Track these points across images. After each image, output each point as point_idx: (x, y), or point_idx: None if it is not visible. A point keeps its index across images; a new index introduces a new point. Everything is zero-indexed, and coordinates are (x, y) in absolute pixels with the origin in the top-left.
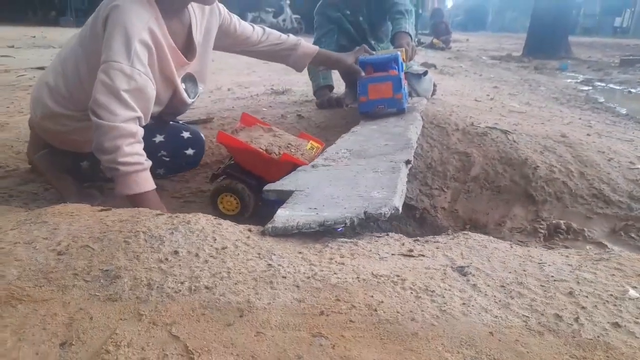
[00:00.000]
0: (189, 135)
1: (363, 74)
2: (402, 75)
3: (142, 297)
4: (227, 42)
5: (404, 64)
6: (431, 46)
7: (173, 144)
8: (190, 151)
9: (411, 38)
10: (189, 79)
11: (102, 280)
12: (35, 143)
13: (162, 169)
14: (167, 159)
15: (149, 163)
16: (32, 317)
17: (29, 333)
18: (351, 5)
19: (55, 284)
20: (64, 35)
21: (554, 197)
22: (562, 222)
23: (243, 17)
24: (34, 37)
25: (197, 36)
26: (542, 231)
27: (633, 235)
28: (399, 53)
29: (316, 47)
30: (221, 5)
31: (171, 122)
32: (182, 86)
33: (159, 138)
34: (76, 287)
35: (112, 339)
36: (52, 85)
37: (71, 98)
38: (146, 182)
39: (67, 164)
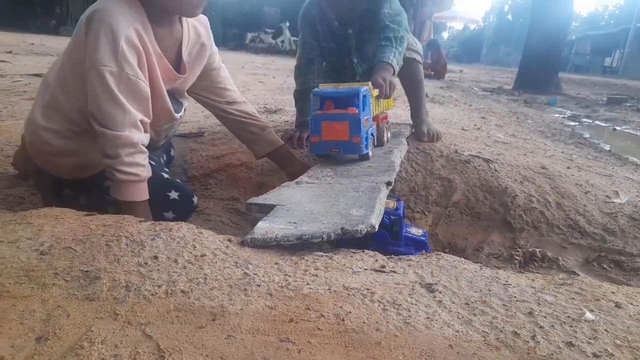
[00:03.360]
0: (176, 197)
1: None
2: (366, 116)
3: (119, 298)
4: (203, 84)
5: (371, 103)
6: (427, 76)
7: (152, 202)
8: (169, 215)
9: (394, 71)
10: (170, 95)
11: (81, 281)
12: (23, 152)
13: None
14: None
15: (147, 174)
16: (10, 312)
17: (5, 327)
18: (341, 16)
19: (36, 282)
20: (62, 44)
21: (531, 225)
22: (537, 250)
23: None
24: (33, 44)
25: (185, 54)
26: (518, 258)
27: (605, 266)
28: (367, 87)
29: (281, 142)
30: (214, 45)
31: (165, 175)
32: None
33: None
34: (56, 285)
35: (87, 335)
36: (40, 96)
37: (57, 109)
38: (138, 193)
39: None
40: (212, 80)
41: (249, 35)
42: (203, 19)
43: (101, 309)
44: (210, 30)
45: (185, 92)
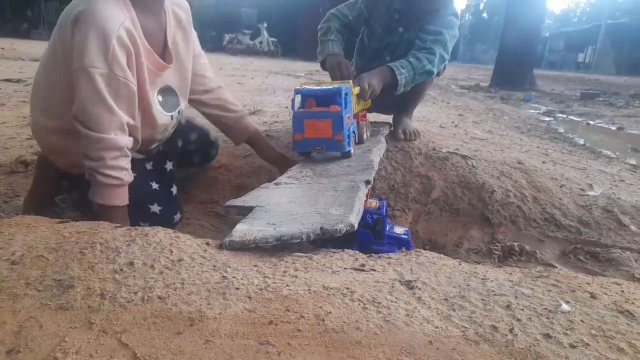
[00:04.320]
0: (157, 211)
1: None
2: (348, 114)
3: (93, 307)
4: None
5: (352, 101)
6: None
7: (131, 210)
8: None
9: (397, 87)
10: (168, 92)
11: (54, 290)
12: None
13: None
14: None
15: (129, 179)
16: None
17: None
18: (403, 11)
19: (7, 293)
20: (34, 48)
21: (509, 220)
22: (516, 244)
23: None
24: (3, 48)
25: (170, 42)
26: (497, 252)
27: (581, 257)
28: (348, 85)
29: (257, 128)
30: (194, 30)
31: (154, 186)
32: (157, 98)
33: None
34: (28, 296)
35: (60, 346)
36: (33, 96)
37: (48, 109)
38: (119, 197)
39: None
40: (193, 68)
41: (227, 37)
42: (183, 3)
43: (75, 319)
44: (190, 15)
45: (186, 91)
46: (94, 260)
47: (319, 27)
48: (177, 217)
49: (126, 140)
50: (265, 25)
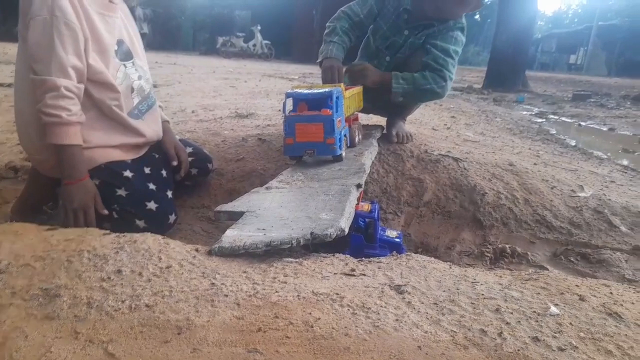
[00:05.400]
0: (153, 208)
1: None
2: (339, 117)
3: (80, 316)
4: None
5: (343, 104)
6: None
7: (128, 207)
8: (141, 223)
9: (392, 95)
10: (121, 44)
11: (40, 299)
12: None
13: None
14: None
15: (74, 119)
16: None
17: None
18: (413, 14)
19: None
20: None
21: (500, 222)
22: (507, 246)
23: (213, 41)
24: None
25: None
26: (489, 255)
27: (572, 259)
28: (339, 89)
29: (166, 121)
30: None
31: (151, 187)
32: (114, 46)
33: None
34: (13, 305)
35: (45, 357)
36: (15, 88)
37: (28, 111)
38: (65, 136)
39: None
40: None
41: (220, 40)
42: None
43: (61, 328)
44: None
45: (139, 52)
46: (81, 268)
47: (327, 24)
48: (172, 217)
49: (66, 82)
50: (259, 27)
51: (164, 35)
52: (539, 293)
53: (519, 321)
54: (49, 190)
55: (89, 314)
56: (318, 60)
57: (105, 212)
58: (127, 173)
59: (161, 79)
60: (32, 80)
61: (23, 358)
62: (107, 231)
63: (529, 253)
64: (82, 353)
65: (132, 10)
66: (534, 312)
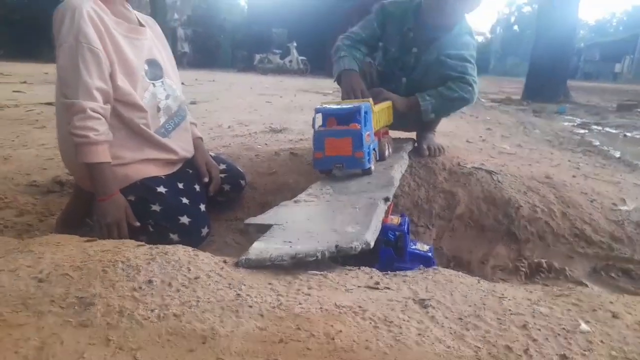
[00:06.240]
0: (186, 222)
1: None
2: (367, 132)
3: (112, 324)
4: None
5: (372, 119)
6: None
7: (161, 222)
8: (175, 237)
9: (422, 115)
10: (154, 64)
11: (76, 307)
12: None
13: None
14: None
15: (101, 138)
16: (5, 340)
17: (0, 356)
18: (418, 30)
19: (32, 310)
20: None
21: (536, 236)
22: (543, 261)
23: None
24: (47, 73)
25: (141, 20)
26: (524, 270)
27: (613, 274)
28: (368, 104)
29: (199, 138)
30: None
31: (184, 201)
32: (144, 66)
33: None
34: (51, 313)
35: None
36: (56, 109)
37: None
38: (94, 155)
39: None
40: None
41: (257, 57)
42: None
43: (94, 335)
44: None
45: (171, 74)
46: (115, 278)
47: (331, 52)
48: (205, 230)
49: (92, 104)
50: (295, 44)
51: (204, 53)
52: (569, 309)
53: (547, 338)
54: (91, 205)
55: (121, 322)
56: (334, 80)
57: (137, 224)
58: (161, 189)
59: (200, 96)
60: (63, 104)
61: None
62: (142, 243)
63: (566, 268)
64: (112, 359)
65: (174, 31)
66: (563, 328)
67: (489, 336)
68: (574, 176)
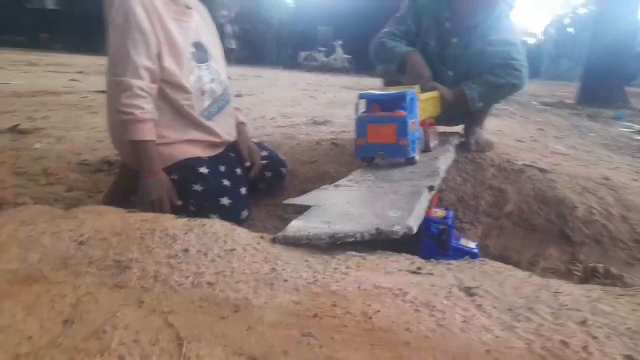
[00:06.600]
0: (226, 204)
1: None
2: (412, 119)
3: (146, 287)
4: None
5: (417, 107)
6: None
7: (202, 202)
8: (215, 217)
9: (468, 104)
10: (199, 47)
11: (113, 270)
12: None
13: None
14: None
15: (146, 116)
16: (43, 296)
17: (37, 310)
18: (455, 20)
19: (71, 270)
20: None
21: (592, 239)
22: (600, 265)
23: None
24: (102, 64)
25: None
26: (578, 274)
27: None
28: (413, 90)
29: (242, 123)
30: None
31: (225, 183)
32: (190, 48)
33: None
34: (89, 273)
35: (111, 321)
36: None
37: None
38: (139, 132)
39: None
40: None
41: (302, 54)
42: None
43: (128, 297)
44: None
45: (218, 57)
46: (152, 244)
47: (369, 53)
48: (245, 213)
49: (139, 82)
50: (340, 42)
51: (251, 50)
52: (635, 309)
53: (609, 336)
54: (135, 182)
55: (155, 287)
56: (395, 67)
57: (179, 202)
58: (203, 169)
59: (246, 90)
60: (111, 82)
61: (92, 320)
62: (181, 216)
63: (625, 275)
64: (144, 321)
65: (221, 27)
66: (628, 328)
67: (542, 330)
68: (634, 179)
